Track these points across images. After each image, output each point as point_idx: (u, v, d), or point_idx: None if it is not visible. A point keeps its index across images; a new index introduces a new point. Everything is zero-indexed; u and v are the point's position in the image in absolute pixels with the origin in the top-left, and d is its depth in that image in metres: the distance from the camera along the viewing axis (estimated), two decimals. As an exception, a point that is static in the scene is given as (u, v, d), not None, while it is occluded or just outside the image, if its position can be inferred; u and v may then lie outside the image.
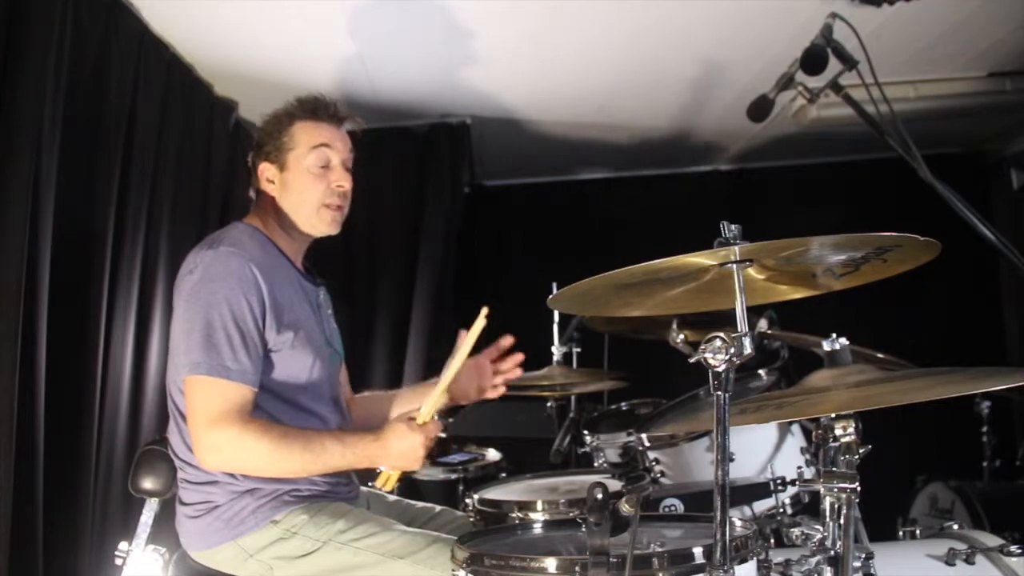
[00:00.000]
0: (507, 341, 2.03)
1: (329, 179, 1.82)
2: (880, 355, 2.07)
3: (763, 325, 2.14)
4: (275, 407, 1.72)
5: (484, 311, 1.78)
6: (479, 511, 1.69)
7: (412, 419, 1.71)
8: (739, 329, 1.21)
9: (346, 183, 1.84)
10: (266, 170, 1.85)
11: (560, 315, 2.85)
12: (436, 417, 1.75)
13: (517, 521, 1.58)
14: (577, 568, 1.16)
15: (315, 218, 1.82)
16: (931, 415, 2.82)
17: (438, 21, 2.70)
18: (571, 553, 1.33)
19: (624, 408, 2.67)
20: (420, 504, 1.98)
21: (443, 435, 2.60)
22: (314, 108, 1.84)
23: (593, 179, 4.57)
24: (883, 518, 2.41)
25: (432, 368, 3.47)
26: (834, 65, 2.03)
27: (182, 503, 1.73)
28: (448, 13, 2.65)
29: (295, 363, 1.74)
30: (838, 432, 1.35)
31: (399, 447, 1.67)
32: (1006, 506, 2.73)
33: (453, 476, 2.59)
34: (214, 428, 1.59)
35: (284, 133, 1.83)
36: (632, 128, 3.83)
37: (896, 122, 1.95)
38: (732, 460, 1.74)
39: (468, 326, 1.81)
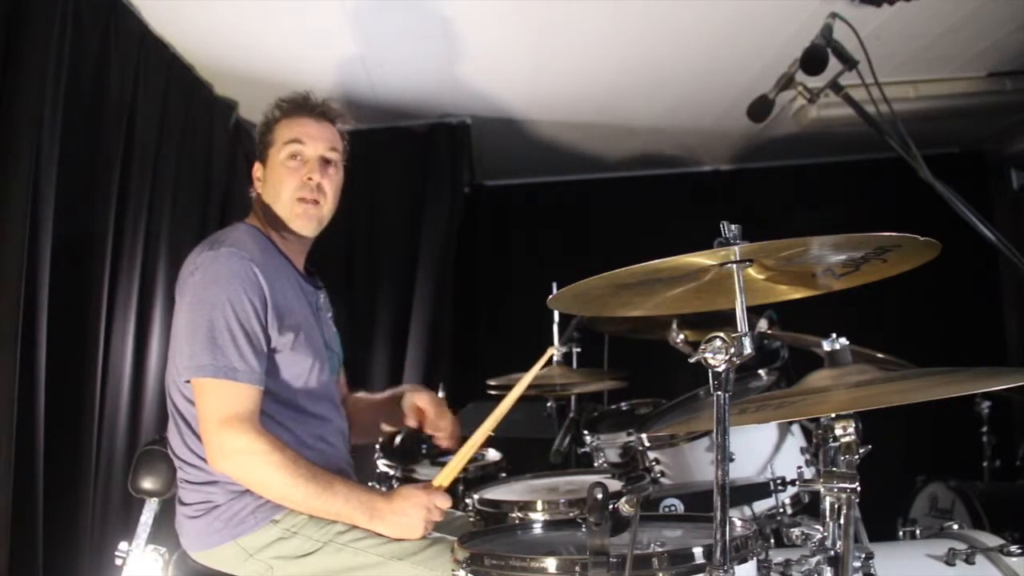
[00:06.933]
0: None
1: (301, 173, 1.82)
2: (880, 355, 2.07)
3: (763, 325, 2.14)
4: (276, 409, 1.71)
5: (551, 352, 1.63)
6: (479, 511, 1.69)
7: (429, 483, 1.65)
8: (739, 329, 1.21)
9: (318, 176, 1.82)
10: (257, 169, 1.89)
11: (560, 315, 2.85)
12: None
13: (517, 521, 1.58)
14: (577, 568, 1.16)
15: (289, 212, 1.82)
16: (931, 415, 2.82)
17: (438, 21, 2.70)
18: (571, 553, 1.33)
19: (624, 408, 2.66)
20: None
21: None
22: (295, 105, 1.86)
23: (593, 179, 4.57)
24: (883, 518, 2.41)
25: (431, 368, 3.48)
26: (834, 65, 2.03)
27: (182, 503, 1.73)
28: (448, 14, 2.65)
29: (295, 365, 1.73)
30: (838, 432, 1.34)
31: (404, 505, 1.60)
32: (1006, 506, 2.72)
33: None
34: (225, 430, 1.58)
35: (270, 132, 1.86)
36: (632, 128, 3.83)
37: (896, 122, 1.95)
38: (732, 460, 1.73)
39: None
